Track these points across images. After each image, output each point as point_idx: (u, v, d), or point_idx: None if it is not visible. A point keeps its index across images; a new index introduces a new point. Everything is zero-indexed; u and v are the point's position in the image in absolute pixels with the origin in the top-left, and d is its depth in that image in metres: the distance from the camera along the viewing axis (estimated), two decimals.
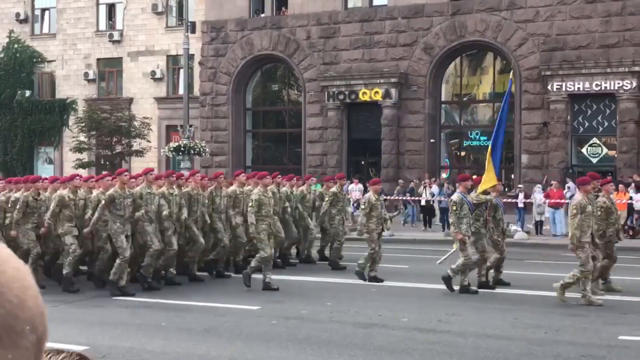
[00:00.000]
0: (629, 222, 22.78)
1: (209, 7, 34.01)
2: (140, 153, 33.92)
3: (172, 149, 28.70)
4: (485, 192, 12.95)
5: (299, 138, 32.84)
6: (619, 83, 26.67)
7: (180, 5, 35.20)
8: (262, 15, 33.61)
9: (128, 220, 12.23)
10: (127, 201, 12.19)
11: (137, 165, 35.85)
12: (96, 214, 12.42)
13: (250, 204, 12.70)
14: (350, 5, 31.97)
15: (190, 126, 29.73)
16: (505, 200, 24.81)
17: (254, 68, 34.07)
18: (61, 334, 9.21)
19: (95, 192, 13.41)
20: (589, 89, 27.30)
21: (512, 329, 9.43)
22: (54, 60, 38.57)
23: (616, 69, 26.72)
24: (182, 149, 28.19)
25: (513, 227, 23.70)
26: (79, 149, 33.91)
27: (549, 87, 27.74)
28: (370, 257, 13.31)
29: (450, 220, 12.58)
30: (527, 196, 24.43)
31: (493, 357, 8.06)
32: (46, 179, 14.46)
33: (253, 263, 12.81)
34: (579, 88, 27.37)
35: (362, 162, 32.83)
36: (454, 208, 12.17)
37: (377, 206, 13.47)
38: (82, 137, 34.22)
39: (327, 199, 15.99)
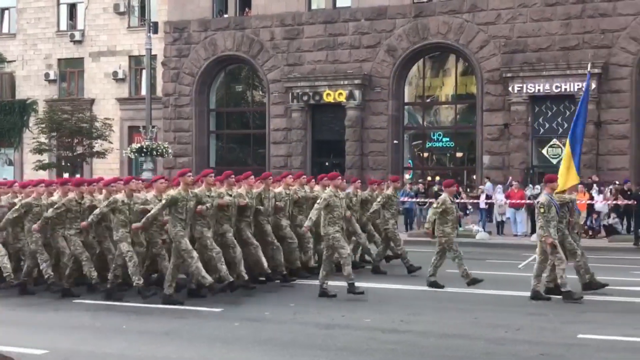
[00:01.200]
0: (588, 223, 23.15)
1: (172, 7, 33.79)
2: (101, 154, 33.57)
3: (134, 150, 28.45)
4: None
5: (263, 139, 32.79)
6: (578, 85, 27.06)
7: (142, 6, 34.96)
8: (226, 15, 33.50)
9: (188, 224, 11.36)
10: (190, 204, 11.32)
11: (99, 167, 35.53)
12: (151, 214, 11.41)
13: (318, 204, 11.89)
14: (313, 6, 32.02)
15: (153, 127, 29.51)
16: (467, 201, 25.10)
17: (218, 69, 33.94)
18: (20, 338, 9.07)
19: (149, 195, 12.45)
20: (549, 91, 27.69)
21: (473, 328, 9.51)
22: (14, 61, 37.99)
23: (576, 71, 27.12)
24: (144, 150, 27.96)
25: (475, 228, 23.95)
26: (39, 151, 33.44)
27: (510, 89, 28.07)
28: (459, 262, 12.62)
29: (539, 224, 11.69)
30: (488, 197, 24.71)
31: (453, 356, 8.13)
32: (96, 180, 13.50)
33: (323, 271, 11.94)
34: (539, 90, 27.74)
35: (326, 163, 32.84)
36: (542, 211, 11.44)
37: (453, 209, 12.80)
38: (43, 139, 33.74)
39: (379, 200, 15.08)
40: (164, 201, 11.40)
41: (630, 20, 27.04)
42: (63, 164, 35.40)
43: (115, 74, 36.28)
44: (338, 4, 31.62)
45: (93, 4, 36.77)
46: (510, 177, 26.44)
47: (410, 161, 31.91)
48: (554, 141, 28.57)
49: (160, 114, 33.24)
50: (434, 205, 13.08)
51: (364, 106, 30.54)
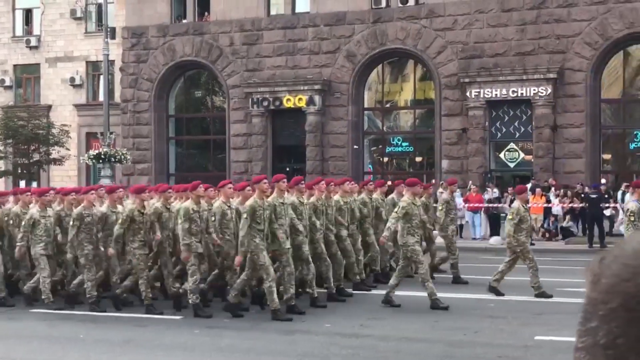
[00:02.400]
0: (545, 225, 23.51)
1: (129, 12, 33.50)
2: (59, 161, 33.11)
3: (92, 156, 28.11)
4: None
5: (224, 145, 32.66)
6: (534, 90, 27.50)
7: (99, 11, 34.59)
8: (184, 21, 33.31)
9: (266, 234, 10.56)
10: (267, 213, 10.44)
11: (56, 174, 35.04)
12: (241, 234, 10.34)
13: (396, 212, 11.28)
14: (273, 12, 32.01)
15: (111, 133, 29.19)
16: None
17: (177, 74, 33.73)
18: None
19: (217, 203, 11.55)
20: (505, 96, 28.06)
21: (432, 331, 9.59)
22: None
23: (532, 76, 27.55)
24: (102, 156, 27.65)
25: (435, 232, 24.10)
26: None
27: (468, 94, 28.38)
28: (534, 272, 11.97)
29: (628, 232, 11.32)
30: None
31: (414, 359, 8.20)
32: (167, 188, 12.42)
33: (394, 280, 11.40)
34: (496, 95, 28.10)
35: (287, 169, 32.83)
36: (632, 218, 11.18)
37: (526, 217, 12.32)
38: None
39: (440, 207, 13.93)
40: (244, 213, 10.42)
41: (585, 26, 27.55)
42: (19, 171, 34.83)
43: (72, 79, 35.84)
44: (297, 10, 31.68)
45: (49, 9, 36.28)
46: (470, 182, 26.74)
47: (370, 166, 32.06)
48: (511, 145, 28.97)
49: (118, 120, 32.90)
50: (509, 217, 12.35)
51: (324, 111, 30.61)
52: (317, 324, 10.08)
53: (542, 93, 27.43)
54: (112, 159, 27.80)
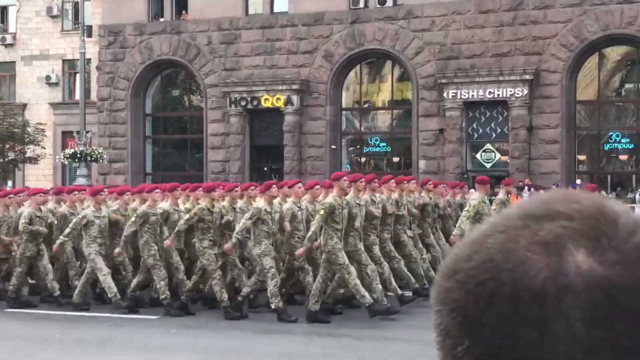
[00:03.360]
0: None
1: (106, 10, 33.27)
2: (34, 160, 32.82)
3: (67, 155, 27.90)
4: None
5: (201, 144, 32.55)
6: (510, 91, 27.70)
7: (76, 9, 34.33)
8: (162, 19, 33.15)
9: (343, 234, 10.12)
10: (345, 212, 9.98)
11: (32, 173, 34.72)
12: (313, 229, 9.90)
13: (467, 210, 10.92)
14: (251, 11, 31.95)
15: (87, 132, 28.99)
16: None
17: (154, 73, 33.56)
18: None
19: (287, 204, 10.85)
20: (482, 97, 28.24)
21: (410, 331, 9.62)
22: None
23: (508, 77, 27.75)
24: (78, 155, 27.45)
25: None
26: None
27: (445, 95, 28.53)
28: None
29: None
30: None
31: (392, 359, 8.22)
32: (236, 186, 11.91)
33: None
34: (473, 96, 28.27)
35: (265, 169, 32.83)
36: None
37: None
38: None
39: (494, 207, 12.43)
40: (321, 210, 9.96)
41: (561, 28, 27.79)
42: None
43: (48, 78, 35.52)
44: (275, 10, 31.65)
45: (25, 6, 35.93)
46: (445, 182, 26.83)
47: (348, 166, 32.11)
48: (488, 146, 29.17)
49: (94, 119, 32.66)
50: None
51: (302, 111, 30.61)
52: (295, 324, 10.07)
53: (518, 94, 27.65)
54: (88, 158, 27.62)
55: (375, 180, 11.14)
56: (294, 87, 30.38)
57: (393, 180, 11.84)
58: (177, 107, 35.01)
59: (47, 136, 33.92)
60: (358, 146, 32.18)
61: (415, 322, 10.18)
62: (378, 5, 30.00)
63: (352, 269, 9.88)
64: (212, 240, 10.69)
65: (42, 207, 11.97)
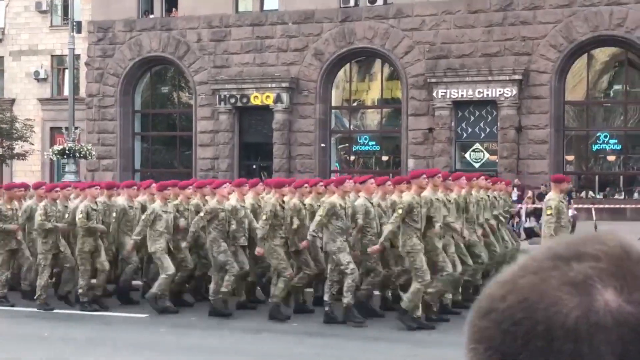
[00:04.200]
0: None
1: (96, 6, 33.14)
2: (22, 156, 32.67)
3: (56, 152, 27.78)
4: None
5: (190, 141, 32.49)
6: (500, 91, 27.80)
7: (65, 4, 34.17)
8: (152, 16, 33.05)
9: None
10: (423, 211, 9.51)
11: (20, 168, 34.56)
12: (390, 228, 9.48)
13: (550, 207, 10.27)
14: (241, 9, 31.91)
15: (76, 128, 28.88)
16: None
17: (143, 69, 33.46)
18: None
19: (360, 200, 10.35)
20: (472, 96, 28.32)
21: (397, 331, 9.64)
22: None
23: (497, 77, 27.84)
24: (67, 152, 27.34)
25: None
26: None
27: (434, 94, 28.59)
28: None
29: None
30: None
31: (378, 359, 8.26)
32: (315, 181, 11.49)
33: None
34: (462, 95, 28.35)
35: (254, 166, 32.82)
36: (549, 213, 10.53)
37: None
38: None
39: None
40: (399, 209, 9.44)
41: (550, 29, 27.90)
42: None
43: (37, 73, 35.37)
44: (265, 7, 31.61)
45: (14, 1, 35.74)
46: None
47: (337, 164, 32.14)
48: (477, 145, 29.27)
49: (83, 115, 32.54)
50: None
51: (291, 109, 30.61)
52: (284, 324, 10.09)
53: (507, 94, 27.75)
54: (77, 155, 27.52)
55: (450, 177, 10.75)
56: (284, 85, 30.37)
57: (464, 178, 11.32)
58: (167, 104, 34.93)
59: (35, 132, 33.77)
60: (347, 144, 32.21)
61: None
62: (368, 4, 30.03)
63: (428, 276, 9.42)
64: (283, 237, 10.24)
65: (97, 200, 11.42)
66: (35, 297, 11.15)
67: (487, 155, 29.21)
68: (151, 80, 34.11)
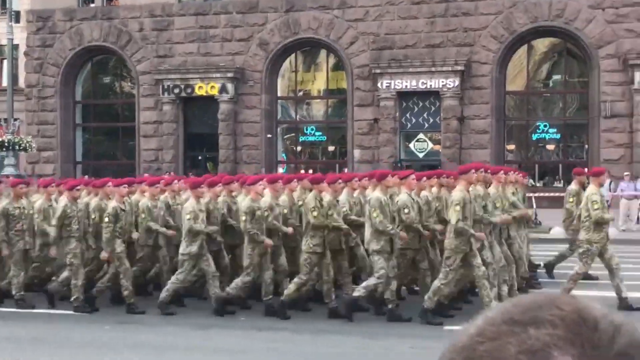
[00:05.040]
0: None
1: None
2: None
3: None
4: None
5: (133, 132, 32.06)
6: (442, 82, 28.15)
7: None
8: (92, 5, 32.48)
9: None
10: (474, 207, 9.43)
11: None
12: (454, 218, 9.16)
13: (594, 200, 9.99)
14: None
15: (15, 120, 28.18)
16: None
17: (84, 59, 32.86)
18: None
19: (403, 195, 9.99)
20: (415, 87, 28.61)
21: (347, 324, 9.71)
22: None
23: (440, 68, 28.18)
24: (6, 144, 26.65)
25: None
26: None
27: (379, 85, 28.79)
28: None
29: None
30: None
31: (329, 352, 8.31)
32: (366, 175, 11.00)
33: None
34: (406, 86, 28.61)
35: (199, 157, 32.59)
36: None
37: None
38: None
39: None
40: (456, 205, 9.21)
41: (491, 20, 28.33)
42: None
43: None
44: None
45: None
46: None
47: (283, 155, 32.13)
48: (420, 135, 29.60)
49: (22, 107, 31.80)
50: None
51: (237, 100, 30.45)
52: (232, 319, 10.06)
53: (450, 85, 28.11)
54: (16, 147, 26.84)
55: (489, 170, 10.39)
56: (229, 75, 30.18)
57: (503, 172, 10.93)
58: (109, 95, 34.38)
59: None
60: (293, 135, 32.21)
61: (355, 314, 10.24)
62: None
63: (451, 276, 9.33)
64: (321, 237, 9.82)
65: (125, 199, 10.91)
66: (71, 299, 10.53)
67: (430, 145, 29.57)
68: (92, 71, 33.51)
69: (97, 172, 31.81)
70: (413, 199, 9.91)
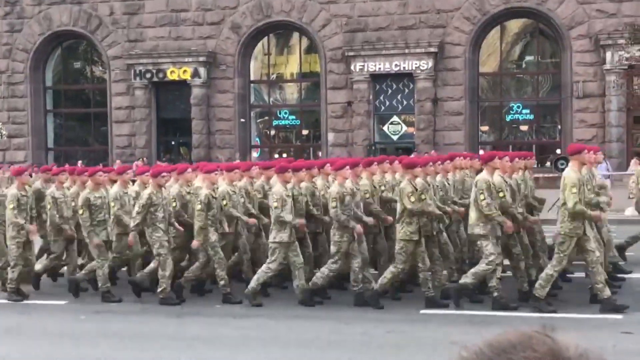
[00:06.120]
0: None
1: None
2: None
3: None
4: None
5: (105, 118, 31.75)
6: (416, 64, 28.14)
7: None
8: None
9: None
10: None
11: None
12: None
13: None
14: None
15: None
16: None
17: (54, 44, 32.40)
18: None
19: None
20: (389, 69, 28.58)
21: (322, 309, 9.73)
22: None
23: (414, 50, 28.17)
24: None
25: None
26: None
27: (352, 68, 28.73)
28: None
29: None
30: None
31: (306, 338, 8.31)
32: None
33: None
34: (379, 68, 28.58)
35: (173, 143, 32.38)
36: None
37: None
38: None
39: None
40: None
41: (464, 1, 28.32)
42: None
43: None
44: None
45: None
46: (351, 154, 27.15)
47: (257, 139, 32.01)
48: (394, 118, 29.62)
49: None
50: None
51: (209, 84, 30.23)
52: (206, 306, 10.02)
53: (423, 67, 28.12)
54: None
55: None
56: (201, 59, 29.94)
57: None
58: (80, 80, 33.98)
59: None
60: (267, 119, 32.09)
61: (330, 299, 10.26)
62: None
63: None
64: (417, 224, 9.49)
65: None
66: (158, 290, 10.04)
67: (404, 127, 29.60)
68: (62, 56, 33.08)
69: (69, 158, 31.51)
70: (506, 182, 9.57)
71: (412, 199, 9.27)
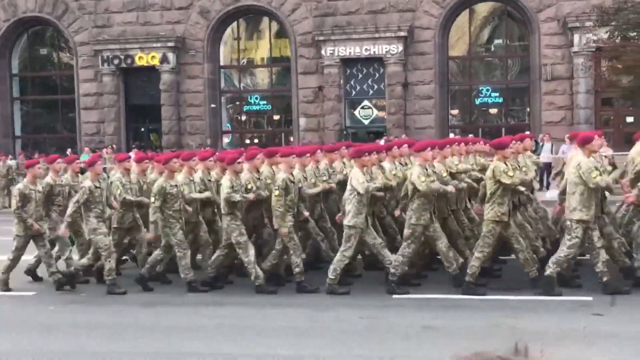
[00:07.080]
0: None
1: None
2: None
3: None
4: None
5: (73, 104, 31.34)
6: (386, 48, 28.12)
7: None
8: None
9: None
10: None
11: None
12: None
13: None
14: None
15: None
16: None
17: (19, 31, 31.87)
18: None
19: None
20: (359, 54, 28.53)
21: (297, 296, 9.71)
22: None
23: (383, 34, 28.12)
24: None
25: None
26: None
27: (323, 52, 28.63)
28: None
29: None
30: None
31: (281, 325, 8.28)
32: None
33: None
34: (350, 53, 28.51)
35: (142, 129, 32.07)
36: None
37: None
38: None
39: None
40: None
41: None
42: None
43: None
44: None
45: None
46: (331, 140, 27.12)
47: (228, 125, 31.82)
48: (365, 102, 29.61)
49: None
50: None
51: (178, 70, 29.95)
52: (179, 295, 9.94)
53: (393, 51, 28.11)
54: None
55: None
56: (170, 44, 29.64)
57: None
58: (47, 66, 33.48)
59: None
60: (238, 104, 31.91)
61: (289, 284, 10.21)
62: None
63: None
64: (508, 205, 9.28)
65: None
66: (252, 278, 9.74)
67: (375, 112, 29.62)
68: (28, 42, 32.57)
69: (37, 145, 31.09)
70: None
71: (511, 175, 9.07)
